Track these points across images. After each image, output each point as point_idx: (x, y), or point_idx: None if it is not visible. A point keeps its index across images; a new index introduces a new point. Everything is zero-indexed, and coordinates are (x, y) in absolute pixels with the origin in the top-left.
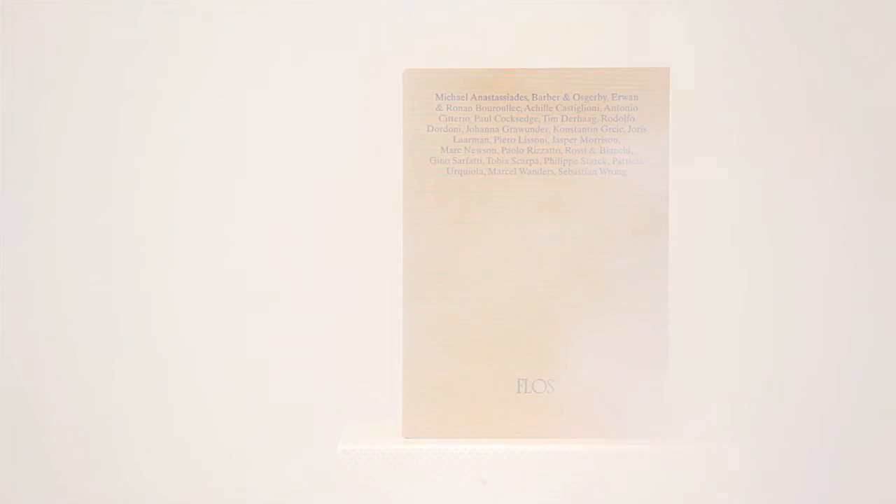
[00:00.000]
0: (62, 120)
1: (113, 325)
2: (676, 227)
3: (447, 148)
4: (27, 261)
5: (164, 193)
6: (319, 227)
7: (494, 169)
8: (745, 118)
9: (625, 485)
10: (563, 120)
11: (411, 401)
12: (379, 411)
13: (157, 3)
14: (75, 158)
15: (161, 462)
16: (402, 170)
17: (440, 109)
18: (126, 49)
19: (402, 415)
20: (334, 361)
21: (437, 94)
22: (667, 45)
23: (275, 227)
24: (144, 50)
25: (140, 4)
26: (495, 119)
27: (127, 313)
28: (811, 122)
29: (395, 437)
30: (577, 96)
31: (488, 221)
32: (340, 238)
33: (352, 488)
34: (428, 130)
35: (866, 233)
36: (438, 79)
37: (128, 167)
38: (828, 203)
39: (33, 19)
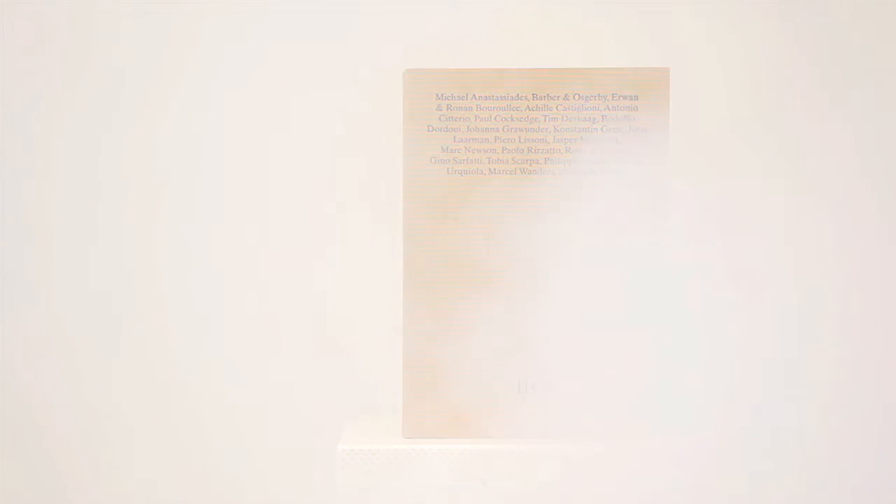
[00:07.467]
0: (60, 118)
1: (111, 325)
2: (676, 227)
3: (447, 148)
4: (26, 260)
5: (165, 194)
6: (320, 228)
7: (494, 169)
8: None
9: (624, 484)
10: (563, 120)
11: (411, 401)
12: (379, 411)
13: (160, 2)
14: (72, 157)
15: (160, 463)
16: (402, 170)
17: (440, 109)
18: (124, 48)
19: (402, 415)
20: (334, 361)
21: (437, 94)
22: (667, 44)
23: (275, 227)
24: (143, 50)
25: (140, 4)
26: (495, 119)
27: (125, 314)
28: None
29: (395, 437)
30: (577, 96)
31: (488, 221)
32: (341, 238)
33: (352, 488)
34: (428, 130)
35: (865, 232)
36: (438, 79)
37: (123, 164)
38: (828, 203)
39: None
